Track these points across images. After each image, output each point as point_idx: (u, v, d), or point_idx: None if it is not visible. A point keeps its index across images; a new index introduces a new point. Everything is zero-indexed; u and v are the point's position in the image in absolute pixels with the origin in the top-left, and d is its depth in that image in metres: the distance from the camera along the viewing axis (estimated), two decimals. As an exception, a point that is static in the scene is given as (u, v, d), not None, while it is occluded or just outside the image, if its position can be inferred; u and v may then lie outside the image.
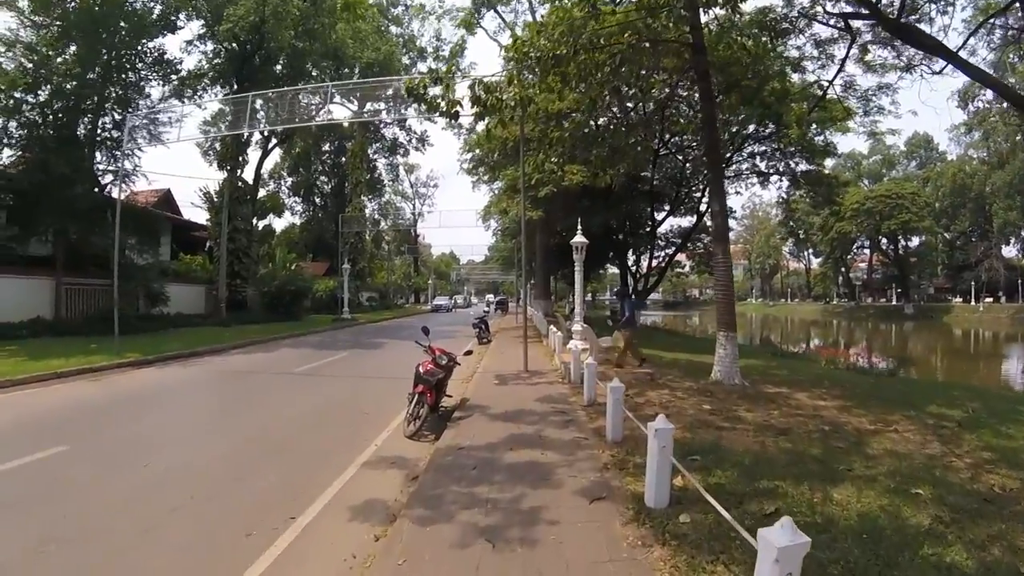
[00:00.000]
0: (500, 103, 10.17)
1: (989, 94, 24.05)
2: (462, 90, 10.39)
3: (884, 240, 78.57)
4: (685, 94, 21.69)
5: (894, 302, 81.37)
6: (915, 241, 78.81)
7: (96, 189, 24.63)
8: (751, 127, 26.61)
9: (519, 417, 9.31)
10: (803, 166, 28.79)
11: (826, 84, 17.29)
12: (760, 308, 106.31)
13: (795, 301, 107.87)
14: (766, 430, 8.32)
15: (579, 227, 17.24)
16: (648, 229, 34.23)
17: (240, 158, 36.34)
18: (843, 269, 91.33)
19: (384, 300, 67.16)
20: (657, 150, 26.68)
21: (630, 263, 36.89)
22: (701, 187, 32.42)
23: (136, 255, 25.86)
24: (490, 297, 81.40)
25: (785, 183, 31.00)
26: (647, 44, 12.34)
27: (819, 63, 17.69)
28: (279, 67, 34.65)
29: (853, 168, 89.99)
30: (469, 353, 9.93)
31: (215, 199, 35.08)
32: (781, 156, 28.60)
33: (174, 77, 27.98)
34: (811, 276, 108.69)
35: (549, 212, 24.75)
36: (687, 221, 36.74)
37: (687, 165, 31.64)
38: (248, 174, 40.03)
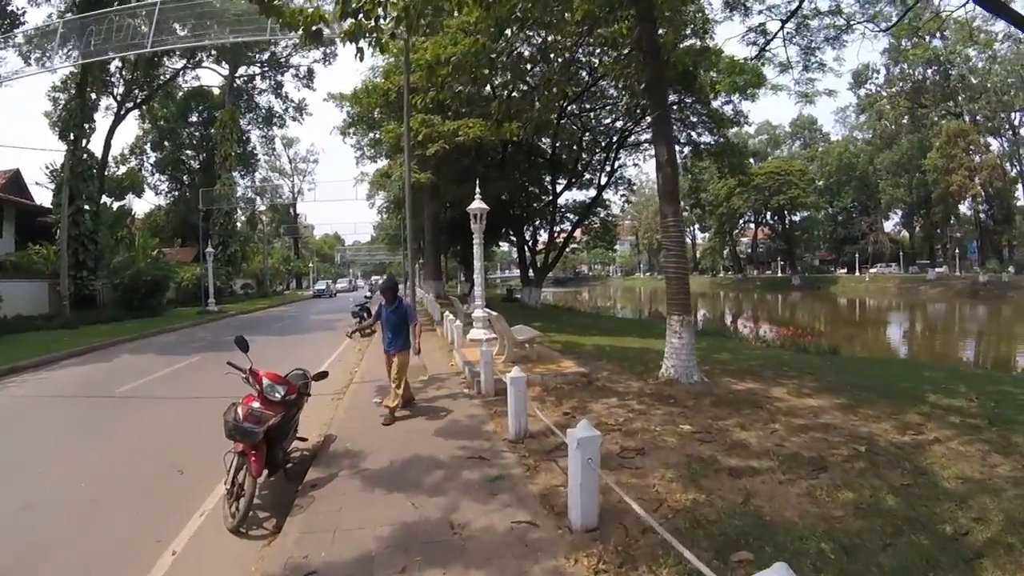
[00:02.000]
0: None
1: (881, 78, 23.33)
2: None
3: (770, 215, 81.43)
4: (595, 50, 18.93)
5: (779, 274, 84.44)
6: (799, 216, 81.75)
7: None
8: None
9: (413, 475, 5.78)
10: (706, 137, 27.93)
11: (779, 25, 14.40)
12: (648, 282, 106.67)
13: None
14: (793, 464, 5.72)
15: (477, 191, 14.01)
16: (549, 201, 31.65)
17: (86, 125, 30.68)
18: (730, 243, 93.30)
19: (261, 287, 61.49)
20: (560, 113, 23.81)
21: (527, 238, 33.95)
22: (601, 158, 30.34)
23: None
24: (375, 279, 76.08)
25: (687, 152, 29.55)
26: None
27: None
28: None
29: (741, 145, 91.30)
30: (323, 376, 5.87)
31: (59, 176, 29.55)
32: (683, 127, 27.21)
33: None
34: (698, 250, 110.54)
35: (440, 175, 21.20)
36: (583, 196, 35.17)
37: (586, 134, 29.26)
38: (97, 146, 34.60)
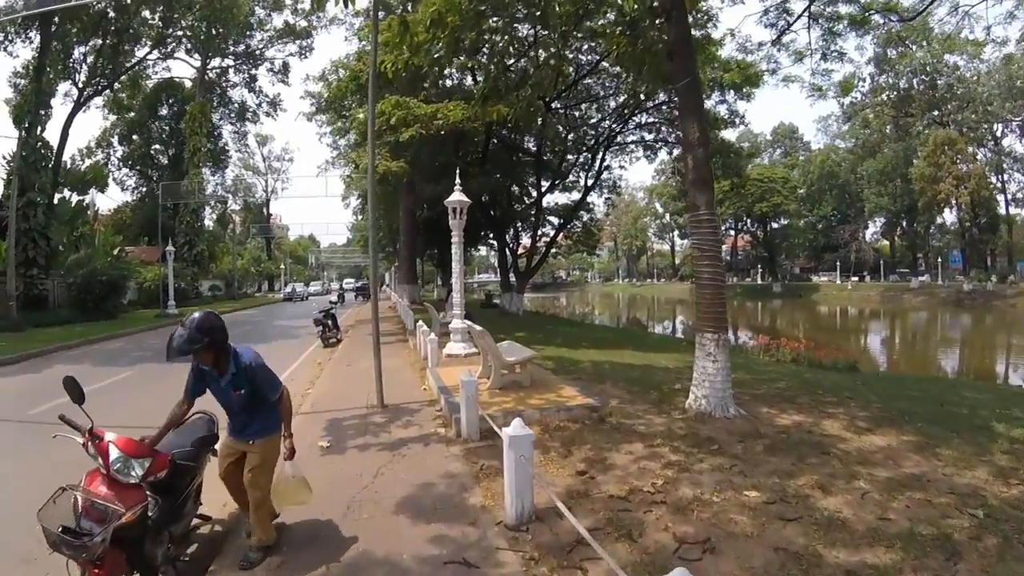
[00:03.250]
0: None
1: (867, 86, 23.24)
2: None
3: (751, 222, 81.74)
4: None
5: (759, 281, 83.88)
6: (779, 224, 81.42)
7: None
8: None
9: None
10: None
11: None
12: (627, 288, 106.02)
13: (661, 281, 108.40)
14: (918, 551, 3.97)
15: (457, 182, 12.04)
16: (532, 203, 29.77)
17: (41, 112, 28.50)
18: None
19: (230, 289, 58.76)
20: (547, 107, 21.98)
21: (508, 241, 31.98)
22: (587, 159, 28.70)
23: None
24: (349, 282, 73.06)
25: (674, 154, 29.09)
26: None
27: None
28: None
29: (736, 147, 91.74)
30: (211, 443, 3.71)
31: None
32: (671, 128, 25.88)
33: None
34: (677, 257, 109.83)
35: (416, 169, 19.06)
36: (565, 199, 33.71)
37: (571, 133, 27.68)
38: (54, 135, 32.36)
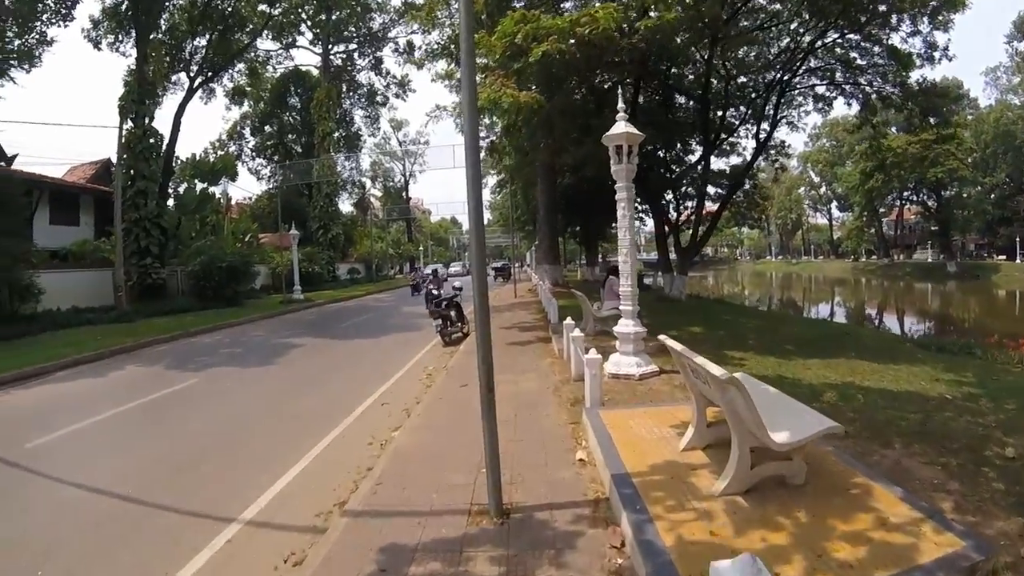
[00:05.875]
0: None
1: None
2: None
3: (920, 192, 70.27)
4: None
5: (928, 259, 72.23)
6: (948, 193, 69.30)
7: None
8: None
9: None
10: (878, 84, 21.46)
11: None
12: (782, 266, 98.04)
13: (819, 258, 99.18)
14: None
15: (620, 105, 7.94)
16: (694, 164, 24.82)
17: (147, 101, 27.45)
18: (877, 223, 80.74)
19: (369, 272, 58.01)
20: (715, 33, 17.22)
21: (668, 211, 27.00)
22: (758, 108, 23.53)
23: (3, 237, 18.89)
24: (452, 267, 68.83)
25: (854, 107, 23.53)
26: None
27: None
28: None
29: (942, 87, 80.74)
30: None
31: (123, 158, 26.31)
32: (847, 72, 21.64)
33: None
34: (836, 231, 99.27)
35: (552, 106, 14.45)
36: (722, 163, 28.66)
37: (738, 77, 23.02)
38: (165, 124, 32.00)
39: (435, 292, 16.21)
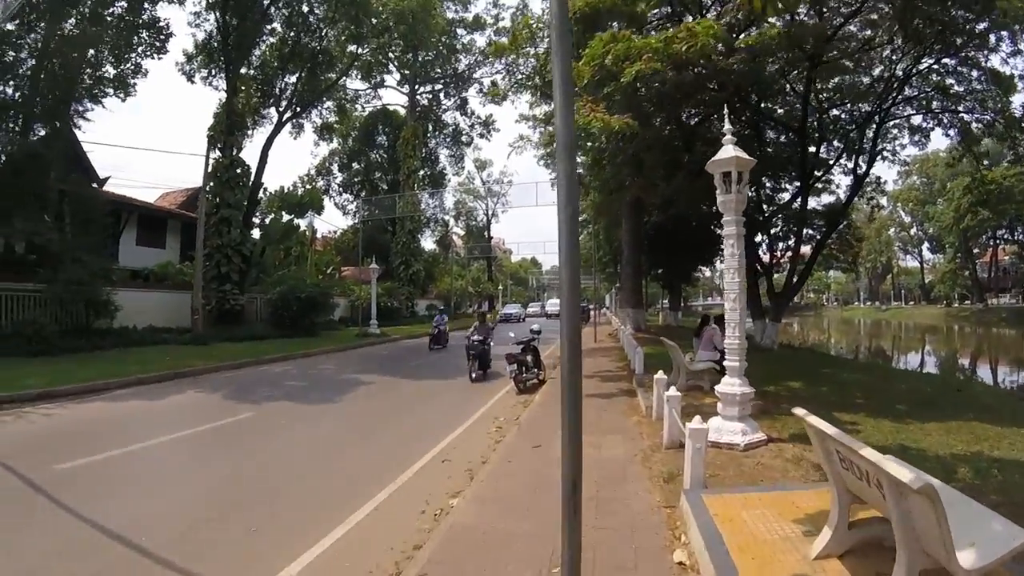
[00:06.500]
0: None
1: None
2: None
3: (1017, 228, 65.45)
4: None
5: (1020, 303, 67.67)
6: None
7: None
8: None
9: None
10: (978, 111, 19.90)
11: None
12: (870, 312, 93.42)
13: (910, 304, 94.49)
14: None
15: (726, 125, 7.13)
16: (788, 202, 23.33)
17: (236, 132, 28.19)
18: (971, 265, 74.86)
19: (447, 308, 58.08)
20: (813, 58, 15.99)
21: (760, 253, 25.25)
22: (854, 141, 21.73)
23: (85, 253, 20.28)
24: (553, 303, 66.80)
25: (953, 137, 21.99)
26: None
27: None
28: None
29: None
30: None
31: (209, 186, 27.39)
32: (944, 99, 19.87)
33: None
34: (928, 275, 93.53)
35: (643, 124, 13.36)
36: (812, 202, 25.94)
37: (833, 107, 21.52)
38: (253, 156, 32.91)
39: (476, 340, 15.67)
